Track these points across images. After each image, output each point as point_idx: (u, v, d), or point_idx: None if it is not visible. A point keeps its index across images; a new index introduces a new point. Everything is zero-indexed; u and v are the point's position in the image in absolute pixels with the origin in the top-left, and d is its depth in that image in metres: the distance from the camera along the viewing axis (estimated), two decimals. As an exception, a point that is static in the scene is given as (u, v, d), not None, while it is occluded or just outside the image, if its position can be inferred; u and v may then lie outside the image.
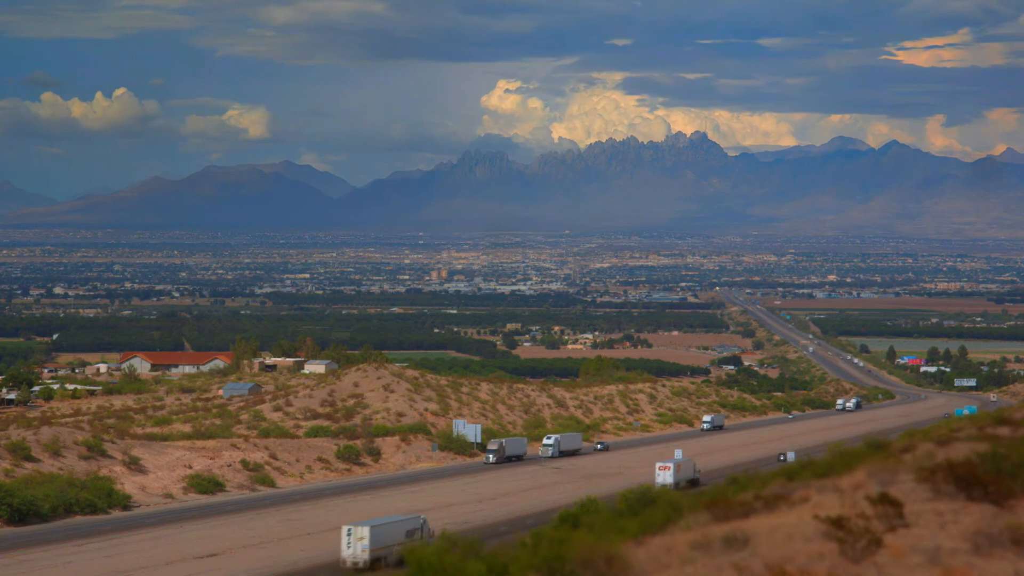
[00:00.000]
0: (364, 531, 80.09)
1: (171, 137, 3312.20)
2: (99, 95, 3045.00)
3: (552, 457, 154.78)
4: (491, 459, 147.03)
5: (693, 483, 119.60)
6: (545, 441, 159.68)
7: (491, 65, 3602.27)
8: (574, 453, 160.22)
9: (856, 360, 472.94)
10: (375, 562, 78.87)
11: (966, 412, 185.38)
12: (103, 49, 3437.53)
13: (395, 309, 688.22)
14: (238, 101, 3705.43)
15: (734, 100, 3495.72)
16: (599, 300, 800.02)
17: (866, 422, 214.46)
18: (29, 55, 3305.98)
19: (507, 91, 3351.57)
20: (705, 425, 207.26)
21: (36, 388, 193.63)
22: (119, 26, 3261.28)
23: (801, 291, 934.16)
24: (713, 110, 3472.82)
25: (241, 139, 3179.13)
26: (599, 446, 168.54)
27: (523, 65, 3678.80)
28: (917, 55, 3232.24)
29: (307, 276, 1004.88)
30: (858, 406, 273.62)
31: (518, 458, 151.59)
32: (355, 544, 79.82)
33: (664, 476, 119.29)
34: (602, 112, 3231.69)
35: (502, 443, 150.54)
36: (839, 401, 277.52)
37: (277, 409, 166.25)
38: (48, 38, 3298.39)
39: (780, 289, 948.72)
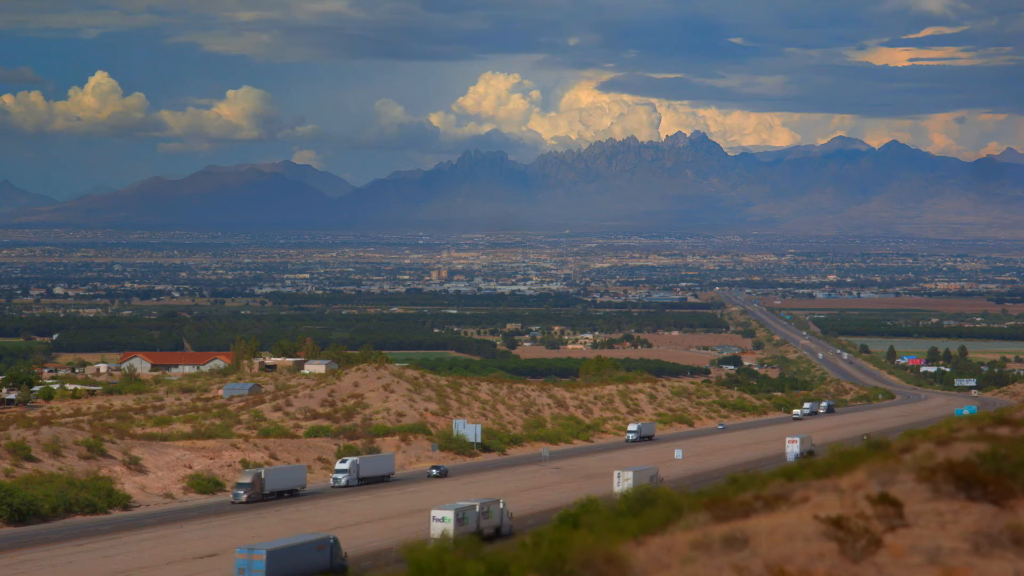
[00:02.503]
0: (629, 474, 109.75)
1: (167, 137, 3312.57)
2: (90, 93, 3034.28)
3: (347, 486, 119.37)
4: (241, 496, 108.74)
5: (811, 454, 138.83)
6: (338, 466, 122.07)
7: (473, 63, 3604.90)
8: (382, 480, 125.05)
9: (845, 355, 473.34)
10: None
11: (966, 412, 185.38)
12: (88, 47, 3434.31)
13: (395, 309, 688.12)
14: (226, 100, 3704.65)
15: (714, 100, 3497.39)
16: (599, 300, 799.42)
17: (837, 427, 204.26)
18: (15, 51, 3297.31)
19: (484, 90, 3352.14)
20: (631, 436, 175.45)
21: (36, 388, 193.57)
22: (95, 24, 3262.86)
23: (801, 291, 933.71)
24: (698, 109, 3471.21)
25: (236, 138, 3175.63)
26: (433, 471, 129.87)
27: (503, 62, 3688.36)
28: (916, 53, 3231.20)
29: (307, 276, 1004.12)
30: (830, 410, 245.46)
31: (291, 493, 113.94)
32: (623, 483, 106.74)
33: (792, 448, 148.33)
34: (589, 110, 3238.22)
35: (259, 474, 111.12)
36: (806, 404, 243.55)
37: (277, 409, 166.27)
38: (30, 35, 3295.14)
39: (780, 289, 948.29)
